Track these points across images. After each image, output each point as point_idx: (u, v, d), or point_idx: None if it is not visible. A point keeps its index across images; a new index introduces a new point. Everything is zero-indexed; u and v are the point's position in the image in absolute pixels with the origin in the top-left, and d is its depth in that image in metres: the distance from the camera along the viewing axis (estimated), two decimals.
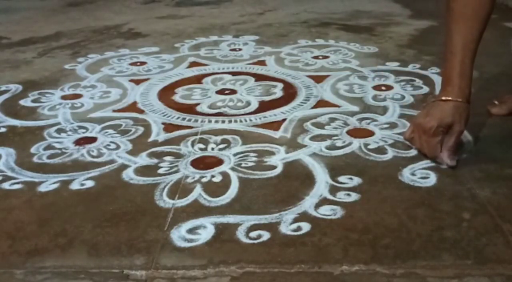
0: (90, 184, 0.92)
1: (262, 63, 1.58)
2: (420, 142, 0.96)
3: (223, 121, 1.16)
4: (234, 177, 0.92)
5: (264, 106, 1.24)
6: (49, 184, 0.92)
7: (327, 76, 1.44)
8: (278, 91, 1.34)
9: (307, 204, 0.84)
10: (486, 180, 0.90)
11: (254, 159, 0.99)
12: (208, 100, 1.29)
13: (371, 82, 1.38)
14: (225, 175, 0.93)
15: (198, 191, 0.88)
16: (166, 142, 1.07)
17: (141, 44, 1.82)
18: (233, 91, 1.34)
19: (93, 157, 1.01)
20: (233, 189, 0.89)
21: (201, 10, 2.41)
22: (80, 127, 1.15)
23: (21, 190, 0.91)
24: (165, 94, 1.34)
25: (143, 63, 1.61)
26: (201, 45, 1.79)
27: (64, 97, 1.33)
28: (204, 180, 0.92)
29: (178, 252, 0.74)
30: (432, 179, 0.90)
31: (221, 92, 1.34)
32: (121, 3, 2.60)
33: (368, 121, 1.14)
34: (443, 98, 0.93)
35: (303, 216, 0.81)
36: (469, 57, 0.93)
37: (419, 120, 0.95)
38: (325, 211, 0.82)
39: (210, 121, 1.17)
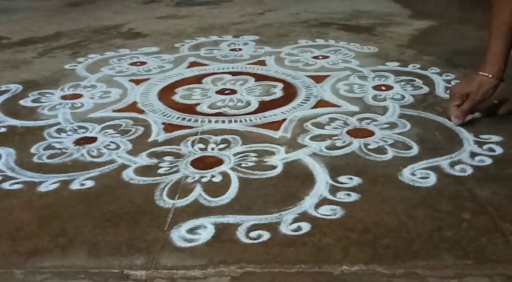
0: (90, 184, 0.92)
1: (262, 63, 1.58)
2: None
3: (223, 121, 1.16)
4: (234, 177, 0.92)
5: (264, 106, 1.24)
6: (49, 184, 0.92)
7: (327, 76, 1.44)
8: (278, 91, 1.33)
9: (307, 204, 0.84)
10: (486, 180, 0.90)
11: (254, 159, 0.99)
12: (208, 100, 1.29)
13: (371, 82, 1.38)
14: (225, 175, 0.93)
15: (198, 191, 0.88)
16: (166, 142, 1.07)
17: (141, 44, 1.82)
18: (233, 91, 1.34)
19: (93, 157, 1.01)
20: (233, 189, 0.89)
21: (201, 10, 2.41)
22: (80, 127, 1.15)
23: (21, 190, 0.91)
24: (165, 94, 1.34)
25: (143, 63, 1.61)
26: (201, 45, 1.79)
27: (64, 97, 1.33)
28: (204, 180, 0.92)
29: (178, 252, 0.74)
30: (432, 179, 0.90)
31: (221, 92, 1.34)
32: (121, 3, 2.60)
33: (368, 121, 1.14)
34: (477, 72, 1.08)
35: (303, 216, 0.81)
36: (500, 37, 1.04)
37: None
38: (325, 211, 0.82)
39: (210, 121, 1.17)
